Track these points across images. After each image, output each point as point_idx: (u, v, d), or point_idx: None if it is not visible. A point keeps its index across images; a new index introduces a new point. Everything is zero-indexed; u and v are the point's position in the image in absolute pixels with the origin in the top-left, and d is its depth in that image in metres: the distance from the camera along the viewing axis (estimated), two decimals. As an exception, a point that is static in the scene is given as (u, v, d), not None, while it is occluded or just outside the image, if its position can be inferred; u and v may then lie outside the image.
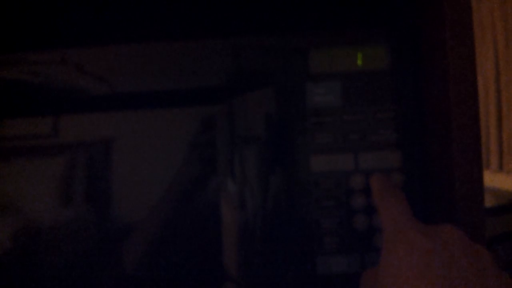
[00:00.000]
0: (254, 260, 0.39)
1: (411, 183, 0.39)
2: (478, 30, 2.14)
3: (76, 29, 0.44)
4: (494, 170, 2.09)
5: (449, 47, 0.35)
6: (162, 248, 0.40)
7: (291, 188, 0.39)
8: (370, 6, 0.45)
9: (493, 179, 2.03)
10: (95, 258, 0.39)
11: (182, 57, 0.40)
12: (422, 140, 0.39)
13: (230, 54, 0.40)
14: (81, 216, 0.39)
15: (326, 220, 0.39)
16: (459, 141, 0.35)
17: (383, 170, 0.39)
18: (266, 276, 0.39)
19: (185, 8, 0.44)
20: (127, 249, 0.40)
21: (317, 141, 0.39)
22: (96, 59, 0.40)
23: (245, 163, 0.39)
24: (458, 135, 0.35)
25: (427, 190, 0.39)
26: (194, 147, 0.40)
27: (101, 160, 0.40)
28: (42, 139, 0.40)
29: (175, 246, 0.40)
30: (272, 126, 0.39)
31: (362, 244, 0.39)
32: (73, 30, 0.45)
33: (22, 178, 0.40)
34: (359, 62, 0.40)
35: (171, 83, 0.40)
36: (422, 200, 0.39)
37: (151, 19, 0.44)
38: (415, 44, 0.40)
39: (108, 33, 0.43)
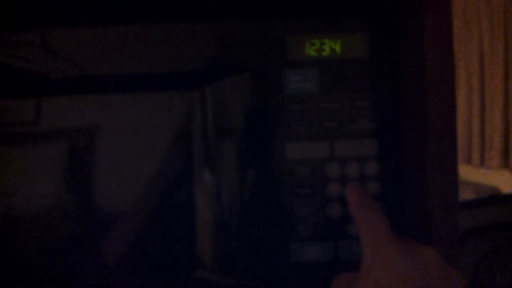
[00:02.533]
0: (228, 247, 0.39)
1: (387, 172, 0.39)
2: (464, 27, 2.15)
3: (55, 10, 0.43)
4: (475, 165, 2.12)
5: (427, 36, 0.35)
6: (137, 237, 0.39)
7: (266, 175, 0.39)
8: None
9: (474, 174, 2.06)
10: (74, 247, 0.39)
11: (158, 42, 0.39)
12: (399, 129, 0.39)
13: (206, 39, 0.39)
14: (60, 205, 0.39)
15: (300, 208, 0.39)
16: (435, 131, 0.35)
17: (359, 158, 0.39)
18: (240, 263, 0.39)
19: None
20: (104, 239, 0.39)
21: (293, 128, 0.39)
22: (76, 41, 0.39)
23: (220, 149, 0.39)
24: (434, 124, 0.35)
25: (402, 180, 0.39)
26: (167, 133, 0.39)
27: (78, 147, 0.39)
28: (20, 123, 0.39)
29: (148, 234, 0.39)
30: (248, 113, 0.39)
31: (336, 232, 0.39)
32: (52, 11, 0.43)
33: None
34: (338, 49, 0.39)
35: (146, 67, 0.39)
36: (396, 190, 0.39)
37: (128, 2, 0.43)
38: (394, 33, 0.40)
39: (86, 15, 0.42)
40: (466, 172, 2.01)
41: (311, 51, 0.39)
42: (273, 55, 0.39)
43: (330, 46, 0.39)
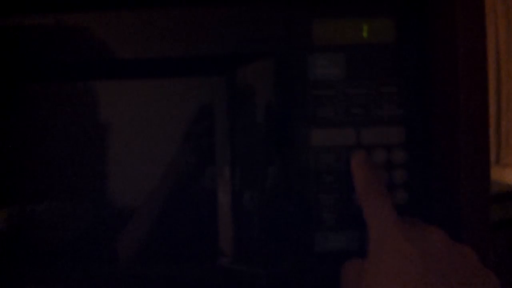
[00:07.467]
0: (251, 235, 0.38)
1: (414, 160, 0.38)
2: (480, 23, 2.12)
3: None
4: (491, 162, 2.09)
5: (458, 20, 0.34)
6: (159, 224, 0.39)
7: (290, 162, 0.38)
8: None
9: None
10: (98, 233, 0.39)
11: (181, 25, 0.38)
12: (427, 115, 0.38)
13: (230, 23, 0.38)
14: (87, 191, 0.38)
15: (325, 196, 0.38)
16: (465, 116, 0.34)
17: (386, 145, 0.38)
18: (262, 251, 0.38)
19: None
20: (126, 226, 0.39)
21: (318, 115, 0.38)
22: (95, 24, 0.38)
23: (244, 135, 0.38)
24: (466, 111, 0.34)
25: (430, 168, 0.38)
26: (191, 119, 0.38)
27: (103, 132, 0.39)
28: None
29: (171, 221, 0.39)
30: (273, 98, 0.38)
31: (361, 221, 0.38)
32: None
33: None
34: (365, 34, 0.38)
35: (169, 52, 0.38)
36: (424, 179, 0.38)
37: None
38: (422, 18, 0.39)
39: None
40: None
41: (337, 36, 0.38)
42: (298, 39, 0.38)
43: (357, 31, 0.38)
